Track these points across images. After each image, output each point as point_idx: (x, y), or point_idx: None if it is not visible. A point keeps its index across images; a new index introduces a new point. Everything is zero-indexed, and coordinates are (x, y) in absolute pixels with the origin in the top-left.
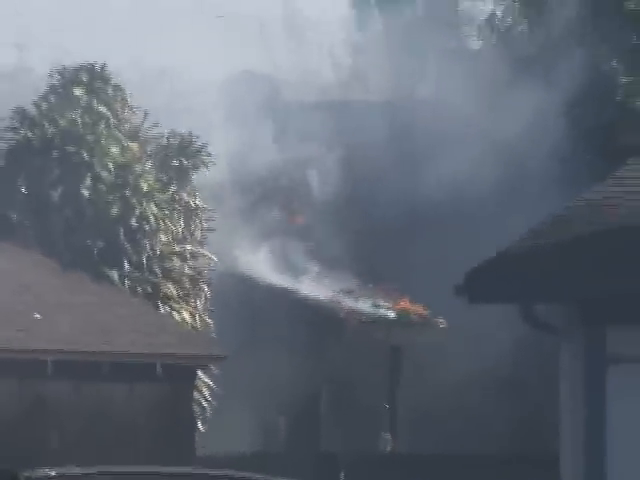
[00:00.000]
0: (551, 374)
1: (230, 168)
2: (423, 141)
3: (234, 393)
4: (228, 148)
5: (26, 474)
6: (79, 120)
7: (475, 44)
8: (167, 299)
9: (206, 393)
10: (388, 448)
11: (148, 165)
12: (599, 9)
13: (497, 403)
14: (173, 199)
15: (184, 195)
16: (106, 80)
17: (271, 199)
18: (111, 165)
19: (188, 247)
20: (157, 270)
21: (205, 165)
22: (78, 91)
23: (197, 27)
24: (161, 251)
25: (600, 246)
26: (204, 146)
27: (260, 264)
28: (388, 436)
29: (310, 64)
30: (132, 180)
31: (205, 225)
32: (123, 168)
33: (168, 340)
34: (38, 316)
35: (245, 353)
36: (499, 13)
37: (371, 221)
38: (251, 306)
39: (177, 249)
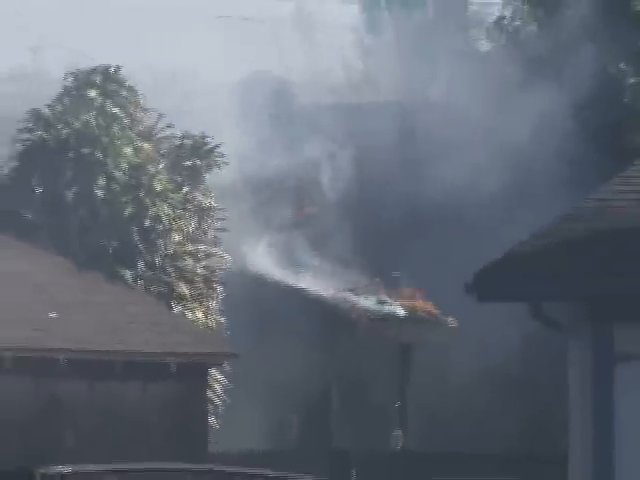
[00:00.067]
0: (559, 372)
1: (241, 168)
2: (432, 142)
3: (246, 391)
4: (239, 149)
5: (42, 471)
6: (93, 121)
7: (484, 46)
8: (180, 298)
9: (219, 391)
10: (399, 445)
11: (161, 166)
12: (607, 11)
13: (506, 401)
14: (186, 199)
15: (197, 195)
16: (120, 82)
17: (281, 199)
18: (125, 166)
19: (201, 247)
20: (170, 270)
21: (218, 165)
22: (92, 93)
23: (210, 29)
24: (174, 251)
25: (607, 245)
26: (217, 147)
27: (270, 263)
28: (399, 433)
29: (321, 66)
30: (146, 180)
31: (218, 225)
32: (137, 169)
33: (181, 339)
34: (53, 315)
35: (257, 351)
36: (508, 15)
37: (379, 221)
38: (262, 304)
39: (190, 249)
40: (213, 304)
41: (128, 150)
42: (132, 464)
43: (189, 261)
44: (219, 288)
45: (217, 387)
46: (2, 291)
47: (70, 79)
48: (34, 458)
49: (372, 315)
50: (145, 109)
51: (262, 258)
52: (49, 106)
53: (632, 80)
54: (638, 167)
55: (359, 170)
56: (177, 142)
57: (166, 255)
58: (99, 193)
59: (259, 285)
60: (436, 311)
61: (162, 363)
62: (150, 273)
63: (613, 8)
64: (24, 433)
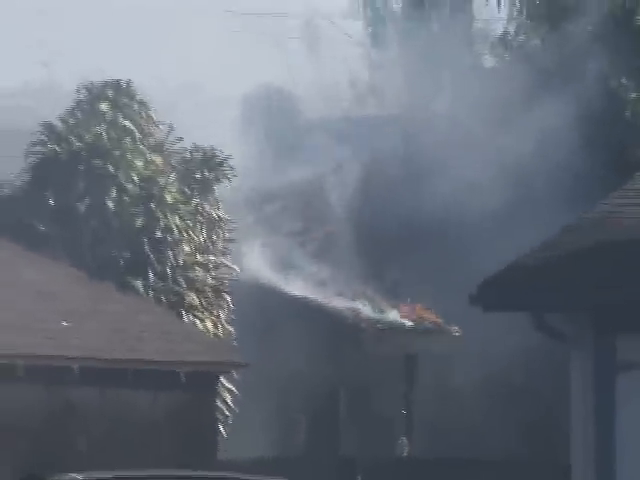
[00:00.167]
0: (562, 381)
1: (249, 181)
2: (437, 156)
3: (254, 398)
4: (247, 161)
5: (54, 478)
6: (105, 134)
7: (489, 61)
8: (191, 308)
9: (228, 399)
10: (405, 452)
11: (172, 178)
12: (609, 26)
13: (509, 410)
14: (196, 211)
15: (207, 207)
16: (131, 96)
17: (287, 211)
18: (136, 178)
19: (211, 257)
20: (181, 280)
21: (227, 178)
22: (104, 106)
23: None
24: (185, 261)
25: (608, 256)
26: (226, 159)
27: (277, 273)
28: (404, 441)
29: (327, 79)
30: (156, 192)
31: (227, 236)
32: (147, 181)
33: (192, 348)
34: (66, 324)
35: (265, 360)
36: (512, 30)
37: (382, 233)
38: (268, 313)
39: (200, 259)
40: (222, 314)
41: (139, 163)
42: (146, 471)
43: (199, 271)
44: (228, 298)
45: (227, 396)
46: (16, 300)
47: (83, 93)
48: (46, 465)
49: (379, 325)
50: (156, 122)
51: (268, 268)
52: (61, 119)
53: (634, 95)
54: (637, 180)
55: (363, 183)
56: (187, 155)
57: (176, 265)
58: (111, 205)
59: (265, 295)
60: (440, 321)
61: (172, 371)
62: (161, 283)
63: (616, 23)
64: (36, 440)
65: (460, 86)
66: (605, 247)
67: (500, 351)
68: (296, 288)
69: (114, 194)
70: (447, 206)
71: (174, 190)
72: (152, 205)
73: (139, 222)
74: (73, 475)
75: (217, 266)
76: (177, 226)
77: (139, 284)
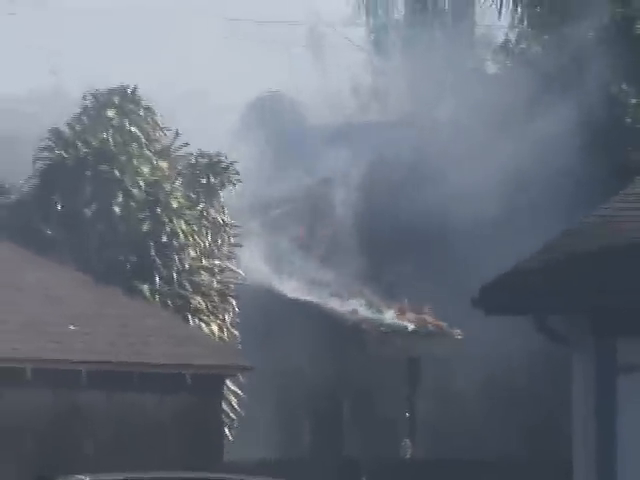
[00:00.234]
0: (563, 384)
1: (253, 186)
2: (438, 160)
3: (258, 401)
4: (251, 167)
5: None
6: (111, 140)
7: (491, 68)
8: (196, 312)
9: (234, 402)
10: (408, 454)
11: (178, 183)
12: (609, 32)
13: (510, 412)
14: (202, 216)
15: (212, 212)
16: (137, 102)
17: (290, 215)
18: (142, 183)
19: (216, 262)
20: (186, 284)
21: (232, 183)
22: (110, 113)
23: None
24: (190, 266)
25: (609, 260)
26: (231, 164)
27: (280, 277)
28: (407, 443)
29: (330, 85)
30: (162, 197)
31: (232, 240)
32: (153, 186)
33: (197, 351)
34: (72, 328)
35: (269, 363)
36: (513, 37)
37: (385, 237)
38: (273, 317)
39: (206, 264)
40: (228, 317)
41: (145, 168)
42: (152, 473)
43: (205, 276)
44: (233, 302)
45: (232, 398)
46: (23, 304)
47: (90, 99)
48: (53, 467)
49: (382, 328)
50: (162, 128)
51: (272, 272)
52: (68, 125)
53: (634, 101)
54: (638, 185)
55: (366, 187)
56: (193, 160)
57: (182, 270)
58: (117, 209)
59: (270, 298)
60: (442, 324)
61: (178, 374)
62: (167, 287)
63: (616, 30)
64: (43, 443)
65: (462, 92)
66: (606, 251)
67: (502, 354)
68: (300, 292)
69: (120, 199)
70: (449, 210)
71: (180, 195)
72: (158, 210)
73: (145, 227)
74: (80, 477)
75: (222, 270)
76: (183, 231)
77: (145, 288)
